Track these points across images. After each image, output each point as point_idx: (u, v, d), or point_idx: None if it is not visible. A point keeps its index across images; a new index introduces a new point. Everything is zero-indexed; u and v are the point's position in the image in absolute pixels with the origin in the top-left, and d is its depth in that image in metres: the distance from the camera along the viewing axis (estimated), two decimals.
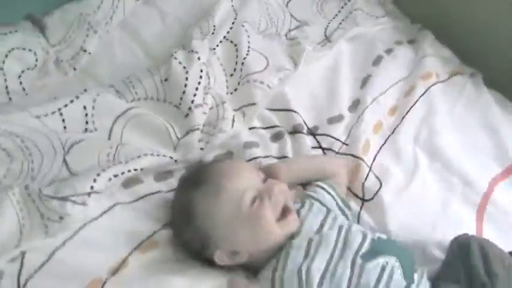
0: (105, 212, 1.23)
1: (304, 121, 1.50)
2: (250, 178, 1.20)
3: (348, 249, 1.15)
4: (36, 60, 1.54)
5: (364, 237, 1.18)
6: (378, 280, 1.11)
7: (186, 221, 1.18)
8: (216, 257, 1.16)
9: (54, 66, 1.56)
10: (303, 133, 1.46)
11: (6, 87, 1.48)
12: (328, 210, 1.26)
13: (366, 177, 1.39)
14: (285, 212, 1.19)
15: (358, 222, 1.33)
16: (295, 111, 1.50)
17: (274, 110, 1.51)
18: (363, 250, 1.15)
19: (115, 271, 1.16)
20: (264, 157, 1.40)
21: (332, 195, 1.31)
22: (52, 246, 1.16)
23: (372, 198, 1.36)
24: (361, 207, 1.36)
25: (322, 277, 1.11)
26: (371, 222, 1.33)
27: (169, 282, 1.12)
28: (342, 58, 1.67)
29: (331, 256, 1.14)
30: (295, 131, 1.47)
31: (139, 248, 1.20)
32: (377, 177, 1.39)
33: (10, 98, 1.47)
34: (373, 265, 1.12)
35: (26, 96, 1.48)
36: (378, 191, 1.36)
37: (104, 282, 1.12)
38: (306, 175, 1.37)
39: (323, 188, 1.32)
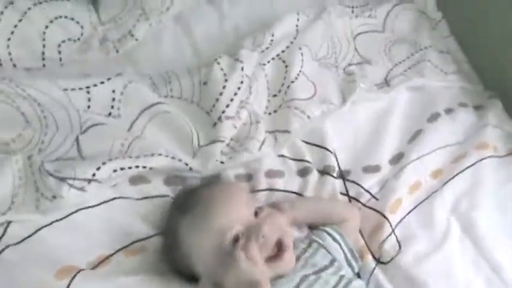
0: (104, 203, 1.19)
1: (337, 162, 1.42)
2: (239, 211, 1.11)
3: None
4: (82, 34, 1.50)
5: None
6: None
7: (174, 246, 1.13)
8: (200, 284, 1.09)
9: (99, 44, 1.50)
10: (332, 176, 1.38)
11: (43, 53, 1.43)
12: (334, 260, 1.18)
13: (386, 239, 1.31)
14: (280, 248, 1.11)
15: (370, 278, 1.26)
16: (330, 151, 1.41)
17: (309, 143, 1.42)
18: None
19: (94, 266, 1.12)
20: (282, 191, 1.34)
21: (339, 244, 1.23)
22: (39, 223, 1.13)
23: (388, 262, 1.29)
24: (374, 268, 1.28)
25: None
26: (386, 284, 1.25)
27: None
28: (396, 106, 1.57)
29: None
30: (324, 171, 1.39)
31: (127, 249, 1.16)
32: (398, 241, 1.31)
33: (44, 65, 1.43)
34: None
35: (60, 67, 1.44)
36: (395, 256, 1.29)
37: (77, 272, 1.08)
38: (313, 217, 1.30)
39: (330, 235, 1.23)
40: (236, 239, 1.08)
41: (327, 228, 1.25)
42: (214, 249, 1.08)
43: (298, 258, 1.15)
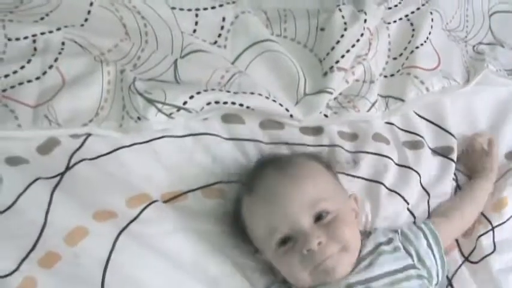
0: (190, 135, 1.12)
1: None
2: (300, 211, 0.99)
3: None
4: None
5: None
6: None
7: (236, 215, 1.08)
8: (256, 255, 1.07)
9: None
10: (451, 159, 1.26)
11: None
12: (411, 267, 1.04)
13: (482, 235, 1.20)
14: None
15: (453, 276, 1.16)
16: (452, 135, 1.29)
17: (425, 118, 1.30)
18: None
19: (168, 199, 1.08)
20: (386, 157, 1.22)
21: (432, 250, 1.09)
22: (119, 142, 1.08)
23: (478, 262, 1.18)
24: (461, 265, 1.19)
25: None
26: (470, 286, 1.16)
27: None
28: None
29: None
30: (441, 153, 1.27)
31: (206, 189, 1.11)
32: (494, 242, 1.19)
33: None
34: None
35: None
36: (486, 256, 1.18)
37: (150, 203, 1.03)
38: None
39: (426, 238, 1.10)
40: (284, 241, 1.00)
41: (425, 229, 1.11)
42: (265, 241, 1.02)
43: (362, 259, 1.03)
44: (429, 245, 1.08)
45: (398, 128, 1.28)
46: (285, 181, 1.01)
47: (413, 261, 1.05)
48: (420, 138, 1.27)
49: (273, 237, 0.99)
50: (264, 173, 1.04)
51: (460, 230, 1.20)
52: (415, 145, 1.27)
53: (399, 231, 1.10)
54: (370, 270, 1.00)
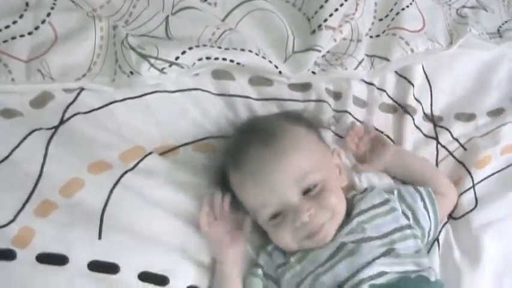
0: (181, 91, 1.14)
1: (431, 106, 1.33)
2: (288, 187, 1.00)
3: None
4: None
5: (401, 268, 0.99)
6: None
7: (224, 179, 1.09)
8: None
9: None
10: (411, 115, 1.29)
11: None
12: (407, 227, 1.07)
13: (464, 192, 1.22)
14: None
15: (440, 232, 1.17)
16: (430, 87, 1.33)
17: (403, 77, 1.32)
18: (379, 281, 0.96)
19: (162, 152, 1.10)
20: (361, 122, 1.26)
21: (428, 213, 1.11)
22: (111, 96, 1.10)
23: (459, 218, 1.20)
24: (446, 222, 1.19)
25: None
26: (451, 241, 1.17)
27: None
28: (504, 61, 1.43)
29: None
30: (412, 110, 1.30)
31: (197, 143, 1.14)
32: (476, 198, 1.21)
33: None
34: None
35: None
36: (469, 212, 1.19)
37: (147, 154, 1.06)
38: (410, 176, 1.19)
39: (423, 200, 1.12)
40: (274, 215, 1.02)
41: (422, 191, 1.13)
42: (255, 213, 1.04)
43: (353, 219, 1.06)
44: (425, 207, 1.11)
45: (379, 88, 1.30)
46: (271, 157, 1.00)
47: (409, 221, 1.08)
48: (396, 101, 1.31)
49: (263, 212, 1.02)
50: (248, 147, 1.03)
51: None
52: (393, 108, 1.30)
53: (396, 191, 1.12)
54: (364, 231, 1.03)
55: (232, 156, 1.06)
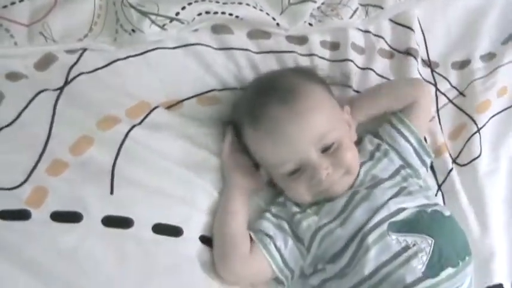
0: (183, 46, 1.15)
1: (427, 50, 1.35)
2: (308, 145, 1.02)
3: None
4: None
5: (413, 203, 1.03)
6: (390, 259, 0.97)
7: (238, 133, 1.11)
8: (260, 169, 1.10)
9: None
10: (414, 57, 1.30)
11: None
12: (402, 167, 1.11)
13: (470, 137, 1.25)
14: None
15: (445, 180, 1.21)
16: (423, 35, 1.35)
17: (397, 23, 1.34)
18: (398, 218, 1.00)
19: (168, 107, 1.12)
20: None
21: (409, 141, 1.14)
22: (114, 55, 1.11)
23: (466, 165, 1.24)
24: (451, 169, 1.23)
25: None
26: (458, 187, 1.21)
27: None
28: (496, 5, 1.44)
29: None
30: (408, 53, 1.31)
31: (201, 96, 1.15)
32: (480, 144, 1.24)
33: None
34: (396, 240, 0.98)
35: None
36: (474, 160, 1.23)
37: (153, 109, 1.08)
38: (377, 108, 1.19)
39: (401, 133, 1.14)
40: (293, 173, 1.04)
41: (397, 124, 1.15)
42: (271, 168, 1.07)
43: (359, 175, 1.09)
44: (407, 140, 1.13)
45: (376, 35, 1.32)
46: (291, 116, 1.02)
47: (401, 161, 1.12)
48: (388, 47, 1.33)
49: (282, 169, 1.04)
50: (267, 106, 1.04)
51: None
52: (390, 54, 1.32)
53: (379, 135, 1.16)
54: (373, 178, 1.08)
55: (250, 113, 1.07)
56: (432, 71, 1.35)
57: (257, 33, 1.21)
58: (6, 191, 0.94)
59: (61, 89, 1.04)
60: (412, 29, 1.33)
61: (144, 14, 1.07)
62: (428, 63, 1.35)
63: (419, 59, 1.31)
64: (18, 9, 1.06)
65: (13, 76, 1.04)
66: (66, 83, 1.05)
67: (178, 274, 0.97)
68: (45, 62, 1.07)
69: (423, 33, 1.36)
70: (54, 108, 1.01)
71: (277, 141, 1.02)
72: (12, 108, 1.00)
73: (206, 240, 1.02)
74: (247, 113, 1.07)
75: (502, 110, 1.30)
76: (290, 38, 1.24)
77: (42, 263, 0.90)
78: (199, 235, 1.02)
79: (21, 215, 0.93)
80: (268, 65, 1.21)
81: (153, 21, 1.08)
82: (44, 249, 0.91)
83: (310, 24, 1.24)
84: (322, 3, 1.27)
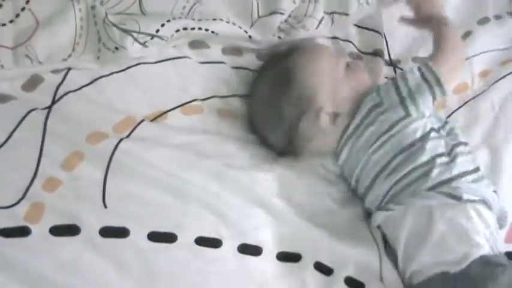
0: (164, 60, 1.19)
1: (388, 49, 1.43)
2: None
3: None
4: None
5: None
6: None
7: (284, 90, 1.19)
8: (320, 119, 1.19)
9: None
10: (381, 57, 1.39)
11: None
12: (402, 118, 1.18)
13: None
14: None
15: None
16: (384, 37, 1.42)
17: (362, 27, 1.42)
18: None
19: (153, 118, 1.15)
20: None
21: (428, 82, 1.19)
22: (97, 72, 1.14)
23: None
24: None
25: None
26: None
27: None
28: (449, 5, 1.52)
29: None
30: (375, 53, 1.40)
31: (184, 106, 1.19)
32: None
33: None
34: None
35: None
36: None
37: (139, 123, 1.11)
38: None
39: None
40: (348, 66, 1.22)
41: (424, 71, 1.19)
42: (332, 74, 1.22)
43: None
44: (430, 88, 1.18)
45: (342, 39, 1.40)
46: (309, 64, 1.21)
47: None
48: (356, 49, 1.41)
49: (340, 63, 1.23)
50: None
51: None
52: (358, 56, 1.40)
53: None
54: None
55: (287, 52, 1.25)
56: (394, 67, 1.43)
57: (230, 51, 1.28)
58: (5, 209, 0.96)
59: (49, 107, 1.07)
60: (379, 32, 1.41)
61: (126, 32, 1.12)
62: (389, 62, 1.43)
63: (385, 58, 1.40)
64: (2, 32, 1.09)
65: (1, 98, 1.07)
66: (54, 101, 1.08)
67: (177, 279, 1.01)
68: (32, 83, 1.10)
69: (385, 36, 1.43)
70: (44, 125, 1.05)
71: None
72: (3, 128, 1.03)
73: (202, 241, 1.05)
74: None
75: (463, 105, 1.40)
76: (261, 56, 1.31)
77: (47, 277, 0.93)
78: (194, 238, 1.04)
79: (22, 231, 0.95)
80: (242, 79, 1.27)
81: (135, 39, 1.12)
82: (47, 264, 0.93)
83: (280, 38, 1.30)
84: (289, 16, 1.32)
